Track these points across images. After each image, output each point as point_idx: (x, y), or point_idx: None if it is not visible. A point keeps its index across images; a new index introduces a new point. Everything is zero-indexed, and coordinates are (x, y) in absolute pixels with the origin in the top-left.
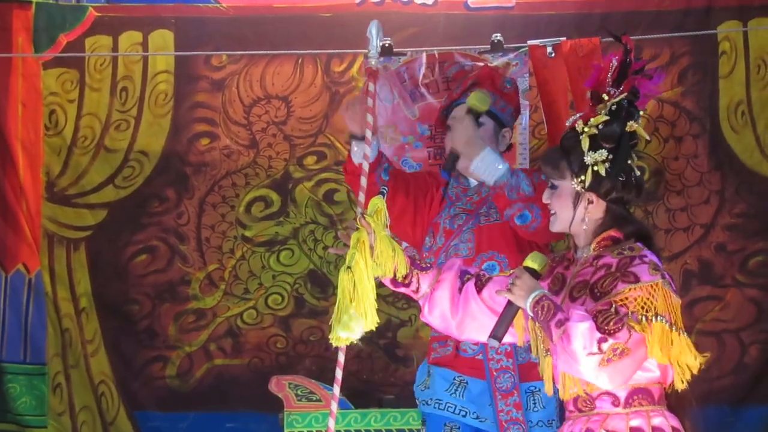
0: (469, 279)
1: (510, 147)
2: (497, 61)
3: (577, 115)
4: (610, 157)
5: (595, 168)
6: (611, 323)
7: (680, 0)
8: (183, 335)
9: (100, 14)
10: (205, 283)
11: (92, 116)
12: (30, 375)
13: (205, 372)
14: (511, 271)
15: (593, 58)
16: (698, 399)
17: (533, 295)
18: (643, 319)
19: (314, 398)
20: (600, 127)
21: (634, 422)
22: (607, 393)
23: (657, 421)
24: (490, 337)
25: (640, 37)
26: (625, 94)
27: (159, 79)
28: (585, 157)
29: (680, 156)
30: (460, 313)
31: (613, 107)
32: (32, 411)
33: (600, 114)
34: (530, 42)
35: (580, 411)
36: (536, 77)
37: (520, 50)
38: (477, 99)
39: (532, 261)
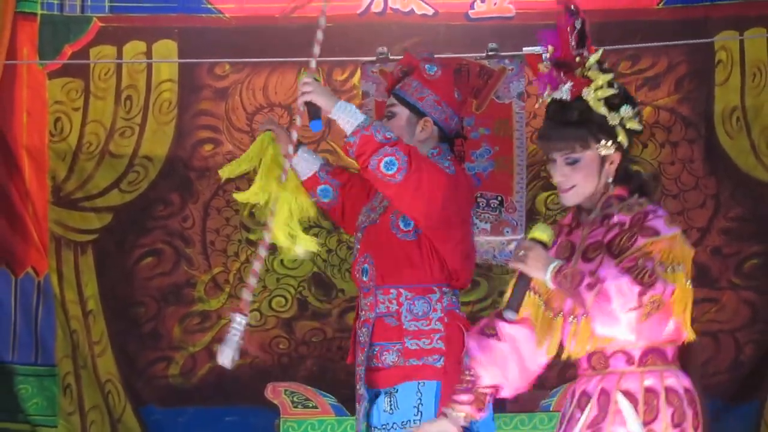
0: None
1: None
2: (493, 65)
3: (562, 90)
4: (636, 110)
5: (628, 125)
6: (646, 276)
7: (677, 10)
8: (187, 337)
9: (104, 25)
10: (210, 286)
11: (97, 123)
12: (41, 376)
13: (207, 371)
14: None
15: None
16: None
17: (552, 266)
18: (670, 270)
19: (310, 405)
20: (610, 86)
21: (648, 382)
22: (622, 351)
23: (670, 381)
24: (506, 309)
25: (638, 45)
26: (595, 51)
27: (163, 87)
28: (608, 120)
29: (676, 161)
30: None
31: (598, 67)
32: (43, 411)
33: (591, 76)
34: (526, 49)
35: (593, 369)
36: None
37: (516, 57)
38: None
39: (541, 232)
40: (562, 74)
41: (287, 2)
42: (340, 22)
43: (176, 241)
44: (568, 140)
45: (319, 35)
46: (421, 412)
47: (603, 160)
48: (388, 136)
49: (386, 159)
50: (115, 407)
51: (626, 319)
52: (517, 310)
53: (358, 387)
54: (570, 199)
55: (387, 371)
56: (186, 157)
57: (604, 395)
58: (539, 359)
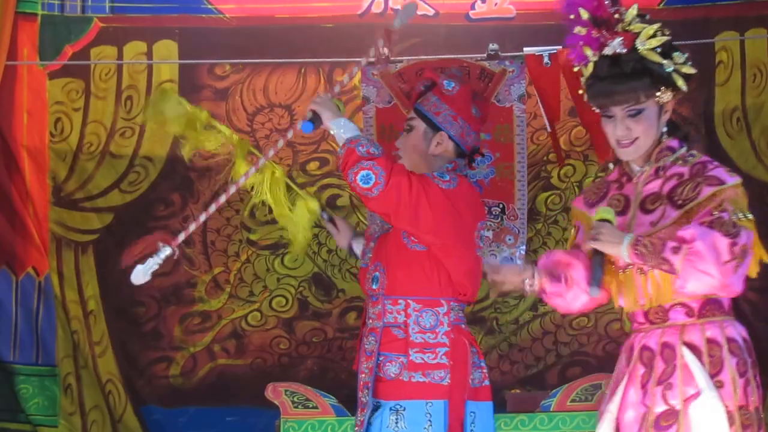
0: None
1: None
2: (494, 67)
3: (613, 45)
4: (686, 55)
5: (683, 70)
6: (730, 228)
7: (678, 11)
8: (188, 337)
9: (104, 25)
10: (210, 286)
11: (97, 123)
12: (42, 376)
13: (208, 371)
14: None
15: None
16: None
17: (627, 240)
18: (743, 217)
19: (311, 405)
20: (661, 34)
21: (709, 333)
22: (681, 304)
23: (730, 331)
24: (591, 287)
25: None
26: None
27: (163, 88)
28: (664, 67)
29: None
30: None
31: (640, 19)
32: (44, 411)
33: (635, 29)
34: (526, 50)
35: (651, 323)
36: (534, 85)
37: (517, 58)
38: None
39: (606, 213)
40: (604, 32)
41: (287, 3)
42: (341, 23)
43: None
44: (631, 92)
45: (337, 88)
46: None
47: (660, 109)
48: (371, 151)
49: (362, 173)
50: (115, 407)
51: (724, 272)
52: (599, 286)
53: (361, 395)
54: (630, 153)
55: (388, 383)
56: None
57: (668, 349)
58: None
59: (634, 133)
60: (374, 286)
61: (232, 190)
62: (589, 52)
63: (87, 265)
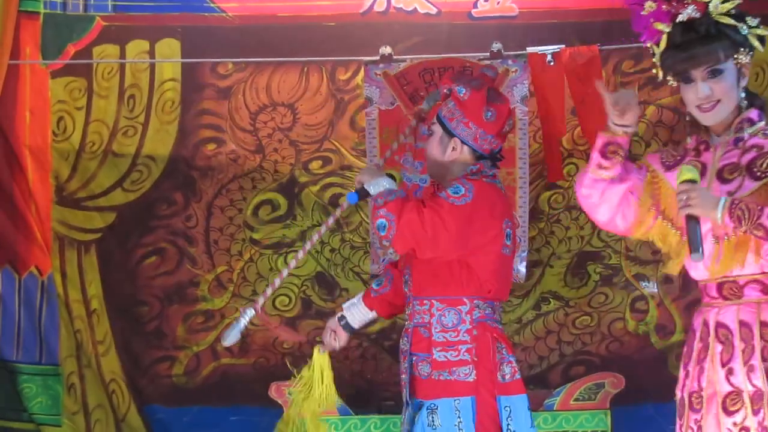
0: None
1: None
2: (497, 67)
3: (686, 12)
4: (759, 19)
5: (758, 31)
6: None
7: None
8: (191, 336)
9: (107, 24)
10: (213, 285)
11: (100, 122)
12: (45, 375)
13: (211, 370)
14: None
15: (592, 65)
16: None
17: (723, 202)
18: None
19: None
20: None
21: None
22: (756, 281)
23: None
24: (692, 254)
25: (640, 44)
26: None
27: (166, 87)
28: (739, 30)
29: None
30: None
31: None
32: (48, 410)
33: None
34: (530, 49)
35: (725, 298)
36: (534, 84)
37: (520, 57)
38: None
39: (691, 173)
40: (674, 3)
41: (289, 2)
42: (343, 21)
43: (180, 240)
44: (711, 52)
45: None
46: (462, 430)
47: (739, 72)
48: (386, 199)
49: (378, 221)
50: (119, 406)
51: None
52: (700, 250)
53: (403, 393)
54: (711, 117)
55: (423, 382)
56: (189, 156)
57: (746, 327)
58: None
59: (715, 94)
60: (406, 289)
61: None
62: (661, 26)
63: (90, 264)
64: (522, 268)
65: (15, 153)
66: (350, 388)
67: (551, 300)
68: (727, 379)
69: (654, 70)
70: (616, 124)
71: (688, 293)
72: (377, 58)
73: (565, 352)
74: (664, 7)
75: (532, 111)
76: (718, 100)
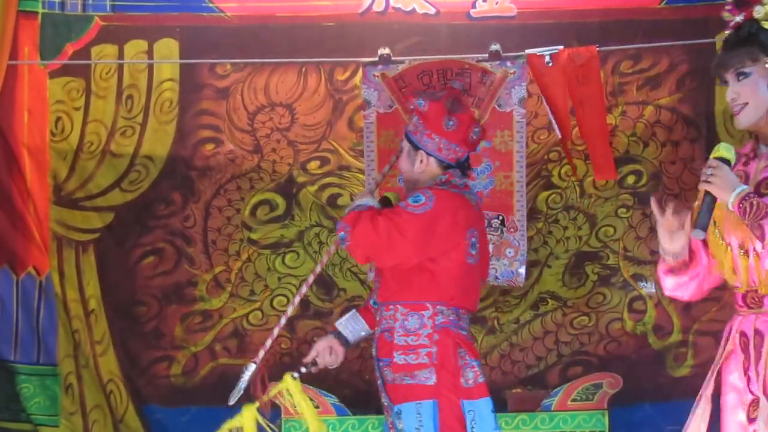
0: None
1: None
2: (495, 69)
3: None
4: None
5: None
6: None
7: (679, 10)
8: (189, 336)
9: (105, 23)
10: (211, 285)
11: (98, 123)
12: (42, 375)
13: (209, 371)
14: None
15: (591, 66)
16: (699, 392)
17: (738, 191)
18: None
19: (312, 405)
20: None
21: None
22: None
23: None
24: (694, 230)
25: (639, 45)
26: None
27: (164, 87)
28: None
29: (677, 160)
30: None
31: None
32: (45, 411)
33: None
34: (528, 51)
35: (749, 307)
36: (538, 84)
37: (518, 59)
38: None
39: (726, 151)
40: (739, 10)
41: (288, 2)
42: (342, 22)
43: (178, 240)
44: (737, 55)
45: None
46: None
47: None
48: (347, 213)
49: (338, 235)
50: (117, 407)
51: None
52: (704, 230)
53: (382, 398)
54: (741, 121)
55: (390, 386)
56: (187, 157)
57: (758, 336)
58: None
59: (741, 97)
60: (375, 296)
61: None
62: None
63: (88, 264)
64: (522, 270)
65: (13, 153)
66: (348, 389)
67: (549, 300)
68: (748, 387)
69: None
70: (665, 249)
71: None
72: (375, 59)
73: (563, 352)
74: (735, 14)
75: (530, 112)
76: (746, 103)
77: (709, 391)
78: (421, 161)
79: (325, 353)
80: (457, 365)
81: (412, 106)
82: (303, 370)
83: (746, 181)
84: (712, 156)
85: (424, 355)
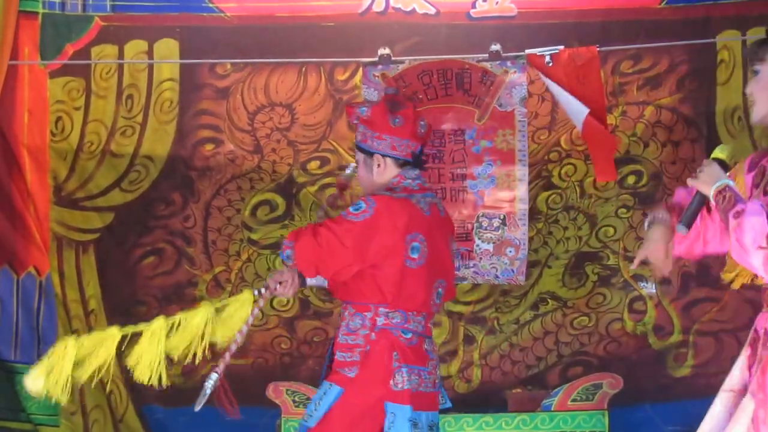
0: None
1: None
2: (496, 69)
3: None
4: None
5: None
6: None
7: (679, 10)
8: None
9: (105, 24)
10: (211, 285)
11: (98, 122)
12: None
13: (209, 371)
14: None
15: (591, 66)
16: (699, 392)
17: (717, 184)
18: None
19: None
20: None
21: None
22: None
23: None
24: (678, 224)
25: (640, 45)
26: None
27: (164, 87)
28: None
29: (678, 160)
30: None
31: None
32: (45, 411)
33: None
34: (528, 51)
35: (766, 305)
36: (544, 80)
37: (518, 59)
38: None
39: (720, 151)
40: None
41: (288, 2)
42: (342, 22)
43: (178, 240)
44: (750, 51)
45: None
46: (316, 410)
47: None
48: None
49: (284, 253)
50: (117, 407)
51: (756, 256)
52: (688, 226)
53: None
54: (753, 116)
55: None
56: (187, 157)
57: (766, 335)
58: None
59: (753, 95)
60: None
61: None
62: None
63: (88, 264)
64: (523, 269)
65: (13, 153)
66: None
67: (549, 300)
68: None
69: None
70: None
71: (686, 294)
72: (376, 59)
73: (563, 352)
74: None
75: (531, 112)
76: (755, 101)
77: (727, 385)
78: (379, 165)
79: (287, 283)
80: (389, 367)
81: (355, 120)
82: (263, 290)
83: (763, 178)
84: (710, 157)
85: (357, 353)
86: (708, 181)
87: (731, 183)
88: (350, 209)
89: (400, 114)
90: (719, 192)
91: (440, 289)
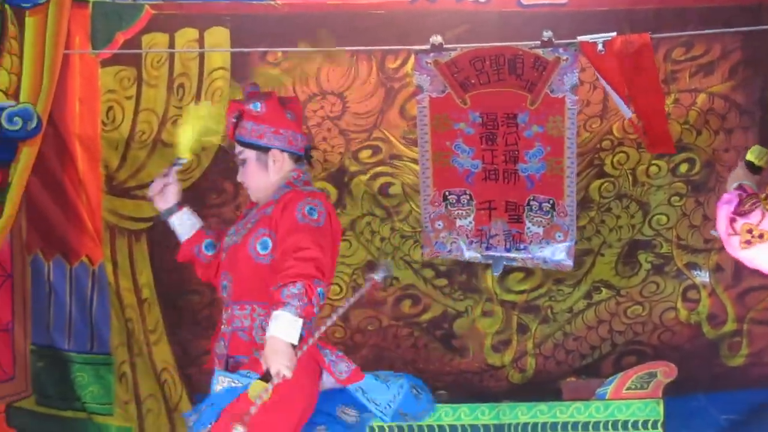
0: None
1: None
2: (548, 55)
3: None
4: None
5: None
6: (747, 205)
7: None
8: None
9: (156, 12)
10: None
11: (149, 112)
12: (96, 365)
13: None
14: None
15: (644, 54)
16: (753, 381)
17: (736, 183)
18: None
19: None
20: None
21: None
22: None
23: None
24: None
25: (694, 32)
26: None
27: (215, 75)
28: None
29: (731, 148)
30: None
31: None
32: (99, 399)
33: None
34: (580, 38)
35: None
36: (595, 69)
37: (571, 46)
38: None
39: (750, 154)
40: None
41: None
42: (392, 9)
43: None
44: None
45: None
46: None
47: None
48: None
49: (317, 289)
50: (171, 396)
51: (730, 243)
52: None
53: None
54: None
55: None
56: None
57: None
58: None
59: None
60: (224, 294)
61: None
62: None
63: (140, 253)
64: (571, 254)
65: (65, 143)
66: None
67: (602, 289)
68: None
69: None
70: None
71: (740, 282)
72: (428, 47)
73: (617, 341)
74: None
75: (582, 100)
76: None
77: None
78: (275, 161)
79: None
80: (325, 364)
81: (234, 118)
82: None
83: None
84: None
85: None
86: (731, 182)
87: (748, 183)
88: (310, 216)
89: (290, 108)
90: (736, 188)
91: None
